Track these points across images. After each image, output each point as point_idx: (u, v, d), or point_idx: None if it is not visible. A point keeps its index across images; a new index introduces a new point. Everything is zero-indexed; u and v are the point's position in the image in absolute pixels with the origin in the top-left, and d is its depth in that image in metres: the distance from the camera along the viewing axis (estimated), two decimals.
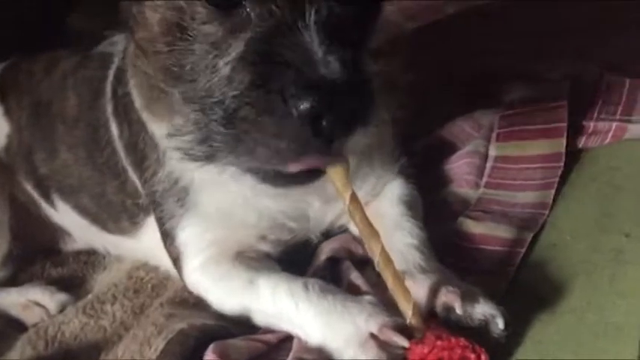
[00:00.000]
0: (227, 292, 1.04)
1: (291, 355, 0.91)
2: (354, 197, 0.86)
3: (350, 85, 0.74)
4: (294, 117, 0.74)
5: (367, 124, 0.79)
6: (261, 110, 0.76)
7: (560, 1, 1.72)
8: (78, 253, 1.46)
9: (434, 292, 0.89)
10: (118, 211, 1.27)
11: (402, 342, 0.83)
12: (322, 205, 1.06)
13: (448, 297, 0.87)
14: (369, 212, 0.95)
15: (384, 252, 0.86)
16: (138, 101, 1.02)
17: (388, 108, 1.07)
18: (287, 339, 0.98)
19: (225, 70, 0.81)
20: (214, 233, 1.04)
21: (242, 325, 0.99)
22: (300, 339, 0.94)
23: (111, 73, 1.18)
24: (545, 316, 0.90)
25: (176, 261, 1.08)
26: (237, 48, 0.80)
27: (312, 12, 0.77)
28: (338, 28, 0.78)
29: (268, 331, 0.99)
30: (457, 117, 1.32)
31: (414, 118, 1.24)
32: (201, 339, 0.96)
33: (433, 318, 0.87)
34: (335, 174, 0.85)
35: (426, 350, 0.82)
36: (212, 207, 1.02)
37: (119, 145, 1.16)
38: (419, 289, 0.89)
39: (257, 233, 1.06)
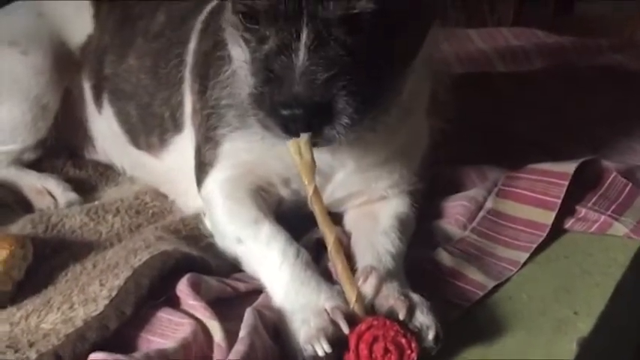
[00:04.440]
0: (232, 215, 1.17)
1: (252, 305, 1.02)
2: (316, 190, 1.01)
3: (319, 102, 0.96)
4: (275, 118, 0.99)
5: (336, 132, 0.99)
6: (258, 104, 1.02)
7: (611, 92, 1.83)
8: (97, 164, 1.59)
9: (383, 292, 1.00)
10: (153, 125, 1.43)
11: (344, 327, 0.94)
12: (338, 182, 1.20)
13: (396, 303, 0.97)
14: (366, 210, 1.20)
15: (336, 242, 0.99)
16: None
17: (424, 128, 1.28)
18: (254, 292, 1.09)
19: (251, 68, 1.05)
20: (252, 157, 1.18)
21: (221, 259, 1.13)
22: (265, 295, 1.06)
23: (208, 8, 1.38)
24: (477, 351, 1.00)
25: (206, 166, 1.22)
26: (261, 54, 1.02)
27: (305, 36, 0.96)
28: (336, 51, 0.97)
29: (240, 279, 1.11)
30: (469, 163, 1.43)
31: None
32: (181, 263, 1.07)
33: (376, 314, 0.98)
34: (303, 168, 1.00)
35: (363, 328, 0.93)
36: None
37: (190, 57, 1.34)
38: (372, 284, 1.01)
39: (283, 176, 1.20)
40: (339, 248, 1.00)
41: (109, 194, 1.47)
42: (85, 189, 1.49)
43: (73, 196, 1.44)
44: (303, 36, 0.97)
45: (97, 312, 0.98)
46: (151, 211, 1.38)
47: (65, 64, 1.53)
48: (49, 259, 1.19)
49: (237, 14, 1.05)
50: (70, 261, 1.17)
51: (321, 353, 0.92)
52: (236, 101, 1.16)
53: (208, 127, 1.23)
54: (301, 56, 0.96)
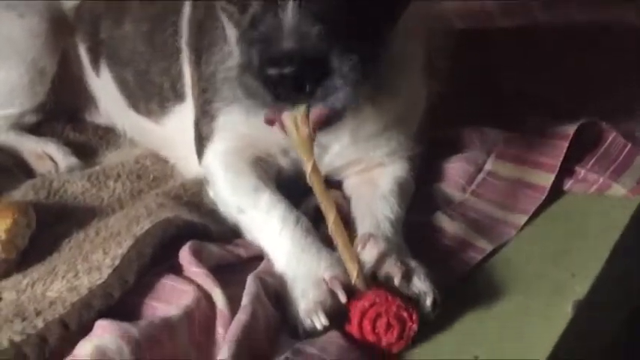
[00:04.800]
0: (232, 185, 1.18)
1: (254, 272, 1.04)
2: (315, 167, 0.98)
3: (313, 58, 0.88)
4: (263, 80, 0.91)
5: (331, 94, 0.91)
6: (244, 69, 0.95)
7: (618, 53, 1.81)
8: (97, 127, 1.59)
9: (382, 260, 1.01)
10: (152, 93, 1.42)
11: (342, 297, 0.96)
12: (335, 153, 1.20)
13: (392, 269, 0.98)
14: (365, 177, 1.20)
15: (337, 219, 0.98)
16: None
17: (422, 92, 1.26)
18: (256, 258, 1.10)
19: (239, 39, 1.00)
20: (249, 130, 1.17)
21: (222, 224, 1.15)
22: (267, 261, 1.07)
23: None
24: (475, 315, 1.02)
25: (204, 140, 1.22)
26: (245, 21, 0.96)
27: None
28: (326, 4, 0.90)
29: (242, 245, 1.12)
30: (468, 124, 1.43)
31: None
32: (182, 231, 1.08)
33: (376, 282, 0.99)
34: (301, 144, 0.97)
35: (366, 304, 0.94)
36: None
37: (185, 27, 1.33)
38: (371, 252, 1.02)
39: (281, 146, 1.19)
40: (339, 223, 0.99)
41: (110, 159, 1.47)
42: (85, 153, 1.50)
43: (73, 160, 1.45)
44: None
45: (102, 280, 1.00)
46: (152, 176, 1.38)
47: (61, 27, 1.51)
48: (52, 227, 1.20)
49: None
50: (73, 228, 1.18)
51: (319, 327, 0.94)
52: (231, 74, 1.15)
53: (204, 100, 1.22)
54: (289, 11, 0.90)
